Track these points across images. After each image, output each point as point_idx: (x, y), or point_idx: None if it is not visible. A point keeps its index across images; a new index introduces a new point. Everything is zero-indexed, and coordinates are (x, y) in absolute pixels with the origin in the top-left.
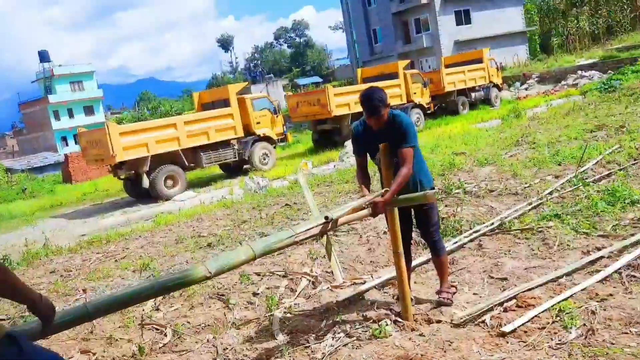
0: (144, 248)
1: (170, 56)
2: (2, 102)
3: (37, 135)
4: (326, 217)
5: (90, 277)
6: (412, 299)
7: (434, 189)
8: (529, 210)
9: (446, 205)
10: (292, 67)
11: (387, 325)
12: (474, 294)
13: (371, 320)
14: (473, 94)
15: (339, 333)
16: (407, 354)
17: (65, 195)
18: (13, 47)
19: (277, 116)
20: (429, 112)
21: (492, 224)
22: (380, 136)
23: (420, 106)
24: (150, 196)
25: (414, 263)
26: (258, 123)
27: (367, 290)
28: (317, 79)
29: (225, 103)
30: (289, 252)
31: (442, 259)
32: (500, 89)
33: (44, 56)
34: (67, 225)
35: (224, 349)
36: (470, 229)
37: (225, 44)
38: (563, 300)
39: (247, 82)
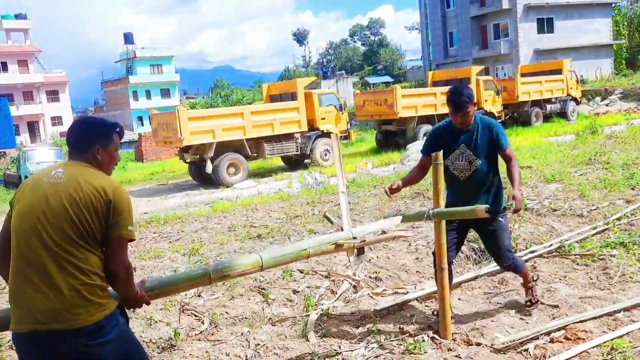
0: (198, 232)
1: (246, 46)
2: (87, 78)
3: (116, 113)
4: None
5: (142, 256)
6: (452, 317)
7: (505, 210)
8: (593, 235)
9: None
10: (364, 65)
11: (423, 341)
12: (521, 318)
13: (408, 334)
14: (548, 106)
15: (372, 343)
16: None
17: (135, 173)
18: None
19: (342, 113)
20: (499, 121)
21: (551, 245)
22: (463, 137)
23: (490, 114)
24: (212, 181)
25: (460, 278)
26: (323, 119)
27: (408, 301)
28: (388, 78)
29: (293, 96)
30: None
31: (523, 273)
32: (578, 103)
33: (128, 38)
34: (132, 202)
35: (256, 344)
36: (526, 248)
37: (300, 37)
38: (617, 337)
39: (315, 77)
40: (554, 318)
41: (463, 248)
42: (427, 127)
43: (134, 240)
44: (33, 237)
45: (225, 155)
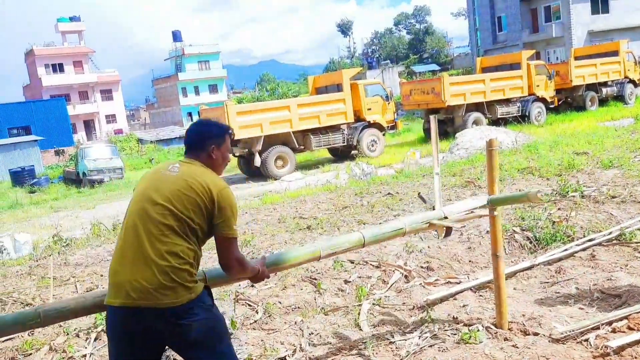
0: (249, 224)
1: (290, 39)
2: (137, 77)
3: (166, 109)
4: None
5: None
6: None
7: None
8: None
9: (559, 209)
10: (410, 54)
11: (478, 330)
12: (580, 308)
13: (462, 324)
14: (604, 90)
15: (425, 332)
16: None
17: None
18: (148, 25)
19: (388, 103)
20: (552, 106)
21: (610, 233)
22: None
23: (542, 100)
24: (261, 174)
25: (515, 268)
26: (369, 109)
27: (462, 291)
28: (434, 66)
29: (339, 88)
30: (385, 242)
31: None
32: (636, 86)
33: (176, 36)
34: None
35: (310, 334)
36: (584, 236)
37: (344, 28)
38: None
39: (361, 68)
40: (616, 308)
41: (517, 237)
42: (476, 115)
43: (238, 237)
44: (138, 219)
45: (272, 148)
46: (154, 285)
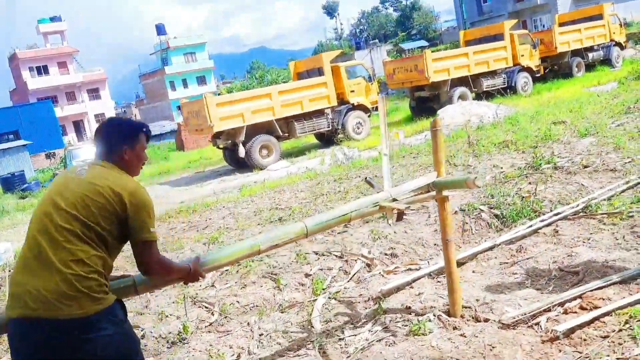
0: (225, 219)
1: (279, 25)
2: (127, 73)
3: (155, 104)
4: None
5: (165, 248)
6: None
7: None
8: (624, 190)
9: (530, 183)
10: (398, 31)
11: (429, 321)
12: (537, 289)
13: (414, 314)
14: (590, 54)
15: (377, 325)
16: (441, 357)
17: (175, 163)
18: (133, 20)
19: (371, 84)
20: (538, 75)
21: (577, 205)
22: None
23: (528, 69)
24: (247, 165)
25: (477, 249)
26: (352, 91)
27: (418, 278)
28: (423, 42)
29: (320, 72)
30: (351, 230)
31: None
32: (623, 48)
33: (160, 29)
34: (170, 191)
35: (260, 334)
36: (551, 210)
37: (330, 10)
38: (637, 303)
39: (341, 50)
40: (572, 286)
41: (484, 216)
42: (461, 90)
43: (158, 240)
44: (41, 224)
45: (256, 137)
46: (55, 294)
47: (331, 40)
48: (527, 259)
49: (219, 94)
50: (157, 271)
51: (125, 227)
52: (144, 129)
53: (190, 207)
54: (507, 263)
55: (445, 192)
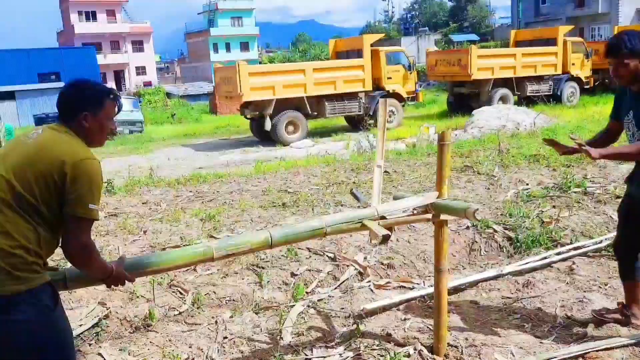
0: (232, 194)
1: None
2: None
3: (197, 64)
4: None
5: (163, 218)
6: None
7: None
8: None
9: (554, 207)
10: (450, 21)
11: (407, 356)
12: (537, 336)
13: (394, 343)
14: None
15: (349, 351)
16: None
17: (204, 126)
18: None
19: (410, 73)
20: (587, 87)
21: (601, 241)
22: (630, 102)
23: (577, 79)
24: (271, 139)
25: (479, 276)
26: (389, 78)
27: (407, 300)
28: (473, 36)
29: (359, 54)
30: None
31: None
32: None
33: None
34: (191, 155)
35: (224, 337)
36: (571, 242)
37: None
38: None
39: (383, 34)
40: (576, 340)
41: (497, 237)
42: (503, 91)
43: (97, 219)
44: None
45: (284, 112)
46: None
47: (380, 23)
48: (533, 297)
49: (260, 62)
50: (79, 256)
51: (63, 200)
52: (112, 96)
53: (201, 176)
54: (509, 298)
55: (443, 216)
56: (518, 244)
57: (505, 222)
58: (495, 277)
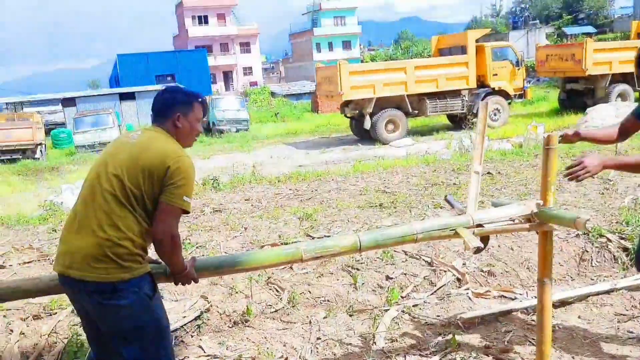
0: (330, 193)
1: None
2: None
3: (300, 64)
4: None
5: (263, 215)
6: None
7: None
8: None
9: None
10: (564, 13)
11: None
12: None
13: (492, 357)
14: None
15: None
16: None
17: (306, 124)
18: None
19: (518, 69)
20: None
21: None
22: None
23: None
24: (371, 137)
25: (589, 290)
26: (495, 75)
27: (509, 312)
28: (590, 29)
29: (463, 50)
30: None
31: None
32: None
33: None
34: (293, 153)
35: (317, 338)
36: None
37: None
38: None
39: (489, 29)
40: None
41: (611, 247)
42: (622, 87)
43: (188, 212)
44: (90, 186)
45: (384, 111)
46: (87, 256)
47: (487, 17)
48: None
49: (361, 61)
50: (167, 244)
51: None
52: (200, 99)
53: (301, 174)
54: (624, 315)
55: (548, 227)
56: (636, 255)
57: (621, 231)
58: (608, 292)
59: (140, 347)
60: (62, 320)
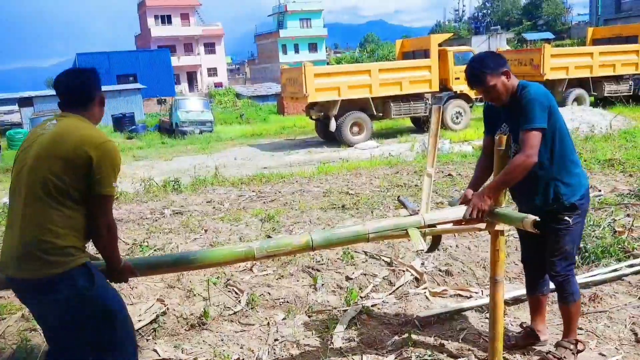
0: (294, 195)
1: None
2: (246, 32)
3: (266, 66)
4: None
5: (225, 217)
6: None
7: (576, 208)
8: None
9: (628, 215)
10: (524, 19)
11: None
12: (601, 354)
13: (446, 354)
14: None
15: (400, 359)
16: None
17: (271, 126)
18: None
19: None
20: None
21: None
22: (504, 114)
23: None
24: (336, 139)
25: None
26: (457, 78)
27: (464, 310)
28: (548, 35)
29: (426, 54)
30: None
31: (569, 308)
32: None
33: None
34: (257, 155)
35: (275, 340)
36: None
37: None
38: None
39: (452, 33)
40: None
41: None
42: (578, 92)
43: (114, 196)
44: (14, 183)
45: (349, 113)
46: (17, 255)
47: (450, 22)
48: (600, 312)
49: (327, 63)
50: (106, 236)
51: (89, 181)
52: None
53: (265, 176)
54: None
55: (500, 227)
56: (586, 254)
57: None
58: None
59: (90, 338)
60: (11, 325)
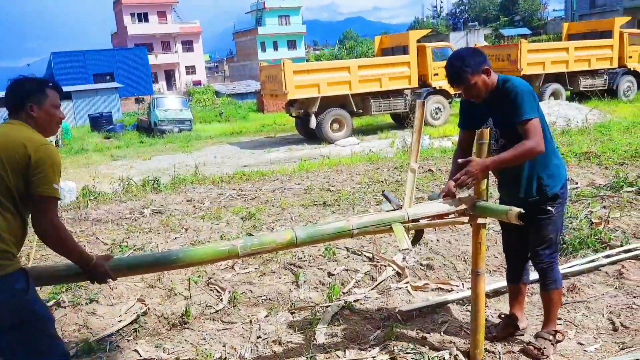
0: (274, 192)
1: None
2: (224, 29)
3: (245, 63)
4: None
5: (205, 216)
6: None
7: (558, 197)
8: None
9: (604, 207)
10: (501, 15)
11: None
12: (579, 343)
13: (429, 347)
14: None
15: (383, 354)
16: None
17: (251, 124)
18: None
19: None
20: None
21: None
22: (486, 109)
23: (634, 73)
24: (317, 137)
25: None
26: (436, 74)
27: (445, 303)
28: (525, 30)
29: (405, 50)
30: None
31: (551, 295)
32: None
33: None
34: (237, 153)
35: (258, 337)
36: (621, 245)
37: None
38: None
39: (430, 29)
40: (622, 350)
41: None
42: (554, 87)
43: (59, 198)
44: None
45: (329, 110)
46: None
47: (429, 18)
48: (578, 302)
49: (307, 60)
50: (51, 235)
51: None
52: (51, 84)
53: (245, 174)
54: None
55: (481, 219)
56: (564, 245)
57: None
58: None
59: (26, 341)
60: None
